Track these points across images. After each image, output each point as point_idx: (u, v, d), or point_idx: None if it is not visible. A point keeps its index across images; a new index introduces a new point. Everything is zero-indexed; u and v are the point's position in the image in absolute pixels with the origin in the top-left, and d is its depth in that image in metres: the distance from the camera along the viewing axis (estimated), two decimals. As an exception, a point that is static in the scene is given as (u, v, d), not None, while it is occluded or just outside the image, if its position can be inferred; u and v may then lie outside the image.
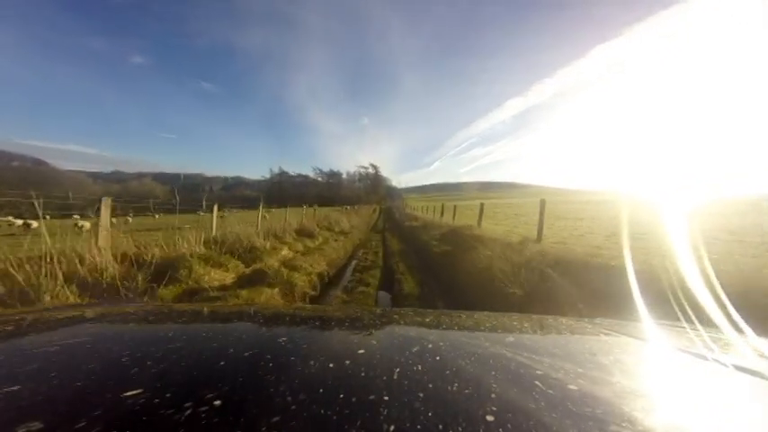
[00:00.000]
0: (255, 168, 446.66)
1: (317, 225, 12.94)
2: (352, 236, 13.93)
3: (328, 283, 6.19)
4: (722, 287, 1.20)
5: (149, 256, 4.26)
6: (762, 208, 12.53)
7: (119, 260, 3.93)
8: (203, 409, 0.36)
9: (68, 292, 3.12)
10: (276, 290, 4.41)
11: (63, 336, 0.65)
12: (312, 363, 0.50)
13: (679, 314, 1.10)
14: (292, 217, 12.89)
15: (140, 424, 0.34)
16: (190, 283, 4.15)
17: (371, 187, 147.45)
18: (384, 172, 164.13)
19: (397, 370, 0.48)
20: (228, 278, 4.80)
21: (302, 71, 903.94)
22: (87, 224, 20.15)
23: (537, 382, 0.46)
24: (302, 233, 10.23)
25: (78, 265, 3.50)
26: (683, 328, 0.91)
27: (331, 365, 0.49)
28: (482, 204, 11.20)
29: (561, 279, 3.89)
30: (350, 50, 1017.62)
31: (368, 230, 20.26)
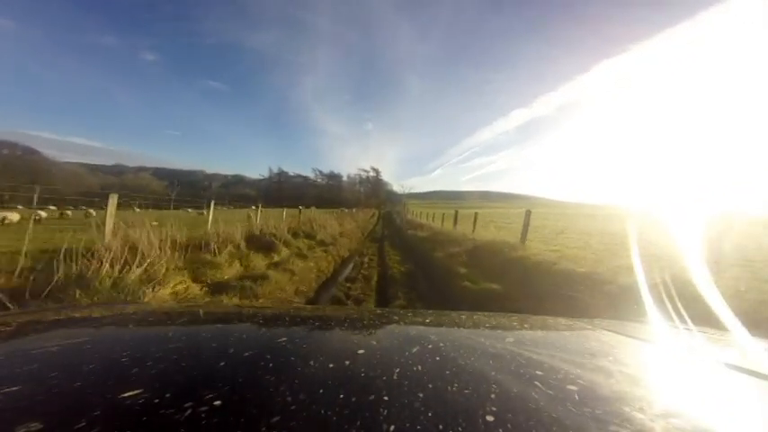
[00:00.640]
0: (258, 168, 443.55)
1: (295, 230, 9.51)
2: (338, 247, 10.10)
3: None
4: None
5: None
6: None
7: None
8: (203, 409, 0.35)
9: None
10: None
11: (63, 336, 0.65)
12: (312, 363, 0.50)
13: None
14: (275, 218, 10.04)
15: (140, 424, 0.33)
16: None
17: (371, 191, 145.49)
18: (386, 177, 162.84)
19: (397, 370, 0.48)
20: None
21: (309, 73, 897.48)
22: (16, 216, 16.93)
23: (537, 383, 0.45)
24: (257, 244, 6.66)
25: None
26: (683, 328, 0.96)
27: (331, 366, 0.49)
28: (528, 212, 7.33)
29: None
30: (357, 55, 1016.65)
31: (362, 239, 16.37)
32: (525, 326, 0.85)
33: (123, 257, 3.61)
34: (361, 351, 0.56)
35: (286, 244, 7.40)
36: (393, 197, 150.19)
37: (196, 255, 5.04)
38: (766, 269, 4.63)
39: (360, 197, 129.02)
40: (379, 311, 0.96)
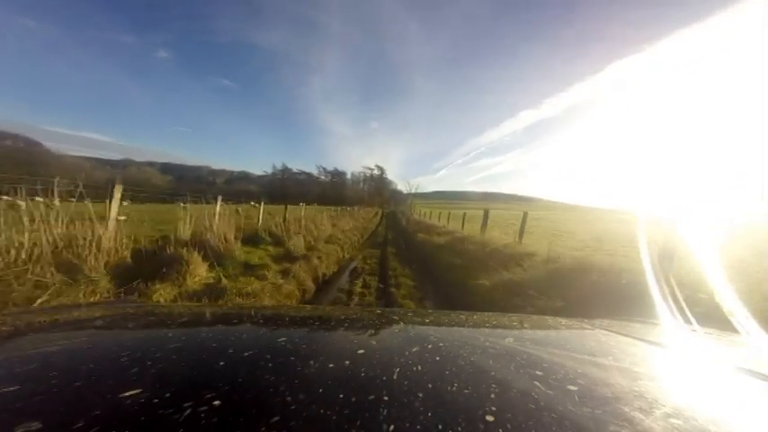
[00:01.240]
0: (263, 165, 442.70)
1: (254, 235, 7.15)
2: (313, 262, 6.17)
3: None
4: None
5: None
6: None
7: None
8: (203, 409, 0.35)
9: None
10: None
11: (63, 336, 0.64)
12: (312, 363, 0.50)
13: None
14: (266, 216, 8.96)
15: (139, 424, 0.33)
16: None
17: (375, 189, 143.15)
18: (390, 176, 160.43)
19: (397, 370, 0.48)
20: None
21: (318, 73, 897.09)
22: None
23: (537, 383, 0.46)
24: (152, 263, 4.06)
25: None
26: (683, 328, 0.97)
27: (331, 366, 0.49)
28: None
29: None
30: (365, 55, 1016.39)
31: (359, 244, 12.39)
32: (525, 326, 0.88)
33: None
34: (361, 351, 0.55)
35: (218, 258, 4.75)
36: (397, 196, 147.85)
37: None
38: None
39: (363, 195, 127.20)
40: (379, 311, 0.95)
